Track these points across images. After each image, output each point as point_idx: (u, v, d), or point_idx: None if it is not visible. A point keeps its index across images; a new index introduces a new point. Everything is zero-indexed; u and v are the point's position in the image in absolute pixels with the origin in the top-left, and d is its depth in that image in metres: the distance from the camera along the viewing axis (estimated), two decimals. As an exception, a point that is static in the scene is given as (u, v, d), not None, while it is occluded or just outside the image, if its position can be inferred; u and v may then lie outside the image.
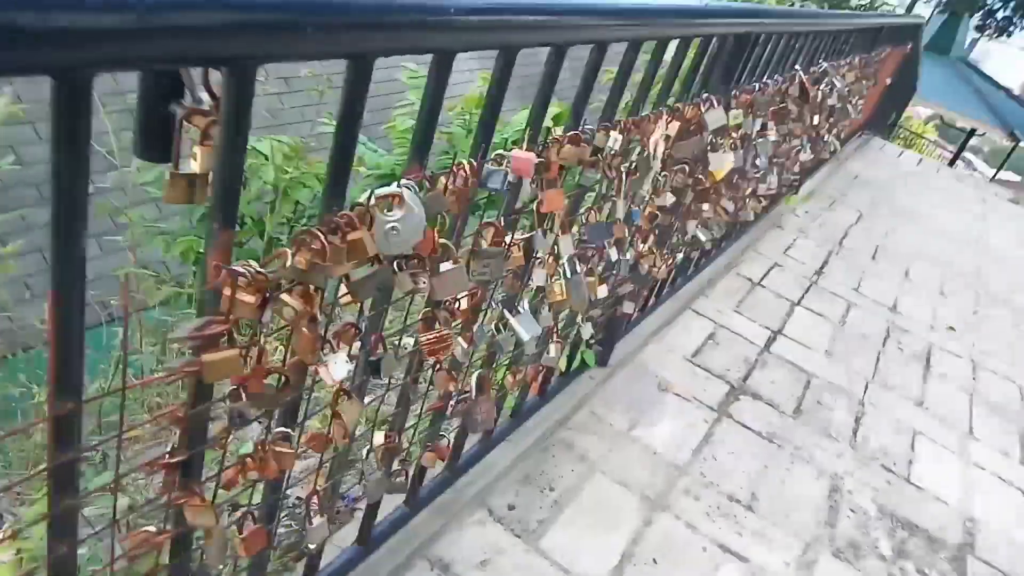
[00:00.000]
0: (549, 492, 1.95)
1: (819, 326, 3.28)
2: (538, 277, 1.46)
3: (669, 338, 2.81)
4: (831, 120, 4.04)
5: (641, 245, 2.07)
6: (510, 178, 1.13)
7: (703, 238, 2.54)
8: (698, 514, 2.03)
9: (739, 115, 2.09)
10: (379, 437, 1.29)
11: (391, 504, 1.59)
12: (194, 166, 0.70)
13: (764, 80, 2.36)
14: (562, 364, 2.13)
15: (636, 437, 2.25)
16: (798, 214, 4.50)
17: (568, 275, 1.59)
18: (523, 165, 1.10)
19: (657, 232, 2.13)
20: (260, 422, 0.93)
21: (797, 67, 2.73)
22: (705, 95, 1.86)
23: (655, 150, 1.64)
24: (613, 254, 1.77)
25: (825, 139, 4.16)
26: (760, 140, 2.64)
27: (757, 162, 2.75)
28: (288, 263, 0.73)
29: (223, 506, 0.93)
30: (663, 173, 1.90)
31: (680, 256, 2.68)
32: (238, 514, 0.98)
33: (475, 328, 1.30)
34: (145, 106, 0.70)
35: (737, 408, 2.53)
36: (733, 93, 2.05)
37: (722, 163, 2.10)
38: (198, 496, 0.85)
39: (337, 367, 0.92)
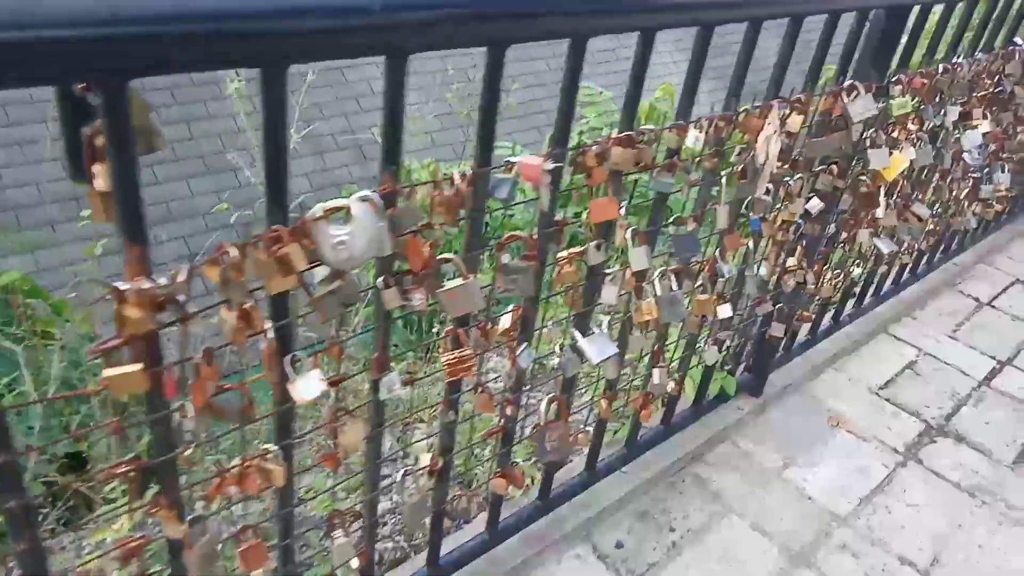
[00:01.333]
0: (669, 532, 1.77)
1: (1070, 356, 2.64)
2: (608, 295, 1.33)
3: (852, 366, 2.43)
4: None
5: (782, 258, 1.81)
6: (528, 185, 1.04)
7: (886, 250, 2.17)
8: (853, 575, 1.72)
9: (906, 103, 1.75)
10: (424, 459, 1.25)
11: (471, 531, 1.54)
12: (100, 184, 0.72)
13: (955, 59, 1.97)
14: (689, 392, 1.93)
15: (789, 478, 1.96)
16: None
17: (659, 292, 1.43)
18: (532, 172, 1.01)
19: (805, 243, 1.86)
20: (246, 436, 0.94)
21: (1019, 40, 2.25)
22: (848, 82, 1.59)
23: (767, 149, 1.43)
24: (725, 269, 1.57)
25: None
26: (964, 132, 2.21)
27: (966, 158, 2.31)
28: (181, 278, 0.73)
29: (206, 519, 0.95)
30: (797, 176, 1.65)
31: (860, 271, 2.32)
32: (237, 528, 1.00)
33: (522, 349, 1.22)
34: (64, 129, 0.74)
35: (931, 452, 2.11)
36: (897, 77, 1.73)
37: (887, 161, 1.78)
38: (165, 507, 0.88)
39: (307, 386, 0.90)
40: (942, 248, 2.89)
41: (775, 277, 1.83)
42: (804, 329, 2.32)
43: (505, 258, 1.09)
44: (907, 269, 2.70)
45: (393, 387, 1.03)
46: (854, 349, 2.50)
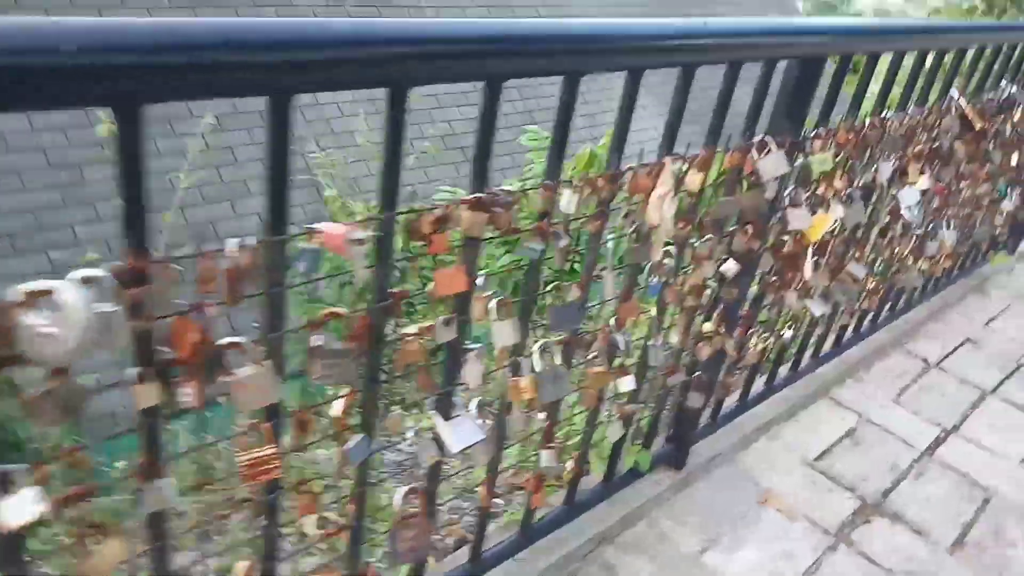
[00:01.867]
0: (566, 629, 1.59)
1: (1019, 423, 2.50)
2: (470, 374, 1.16)
3: (788, 434, 2.28)
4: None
5: (695, 325, 1.66)
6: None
7: (819, 312, 2.03)
8: None
9: (827, 159, 1.63)
10: (239, 570, 1.06)
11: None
12: None
13: (884, 114, 1.85)
14: (599, 467, 1.76)
15: (706, 564, 1.79)
16: (1017, 274, 3.61)
17: (537, 368, 1.27)
18: (334, 240, 0.85)
19: (723, 308, 1.71)
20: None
21: (954, 93, 2.15)
22: (758, 137, 1.46)
23: (660, 210, 1.28)
24: (620, 339, 1.41)
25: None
26: (900, 189, 2.10)
27: (906, 215, 2.19)
28: None
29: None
30: (706, 237, 1.51)
31: (792, 333, 2.17)
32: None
33: (352, 441, 1.04)
34: None
35: (865, 533, 1.95)
36: (816, 132, 1.61)
37: (808, 221, 1.65)
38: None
39: (17, 508, 0.72)
40: (888, 306, 2.77)
41: (688, 345, 1.68)
42: (737, 393, 2.17)
43: (318, 340, 0.92)
44: (850, 328, 2.57)
45: (165, 499, 0.85)
46: (791, 415, 2.35)
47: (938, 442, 2.35)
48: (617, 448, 1.75)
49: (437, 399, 1.18)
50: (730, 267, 1.63)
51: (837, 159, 1.74)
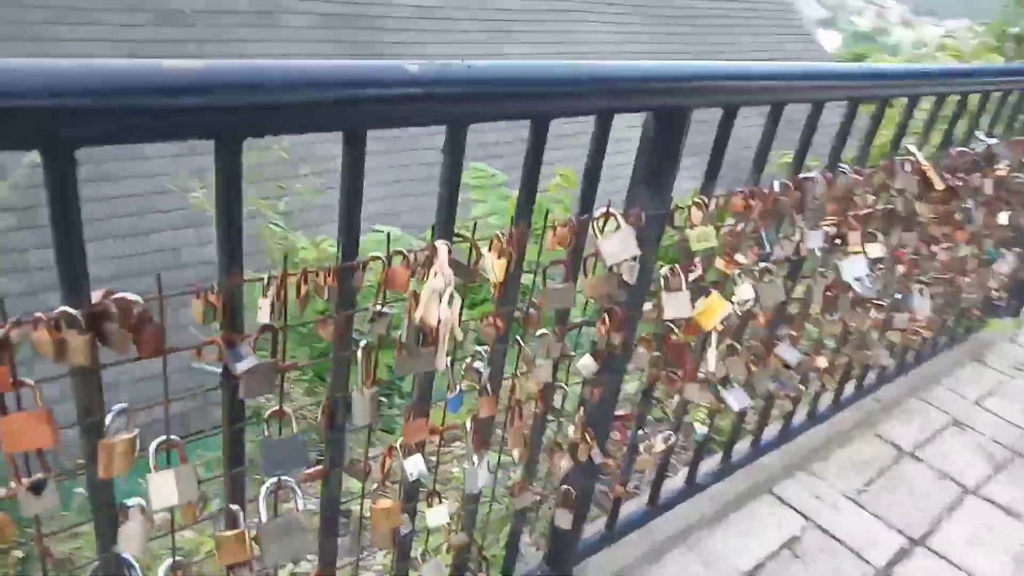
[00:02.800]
0: None
1: (1004, 532, 2.11)
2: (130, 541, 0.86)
3: (714, 543, 1.92)
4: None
5: (549, 433, 1.34)
6: None
7: (737, 407, 1.69)
8: None
9: (709, 234, 1.30)
10: None
11: None
12: None
13: (807, 173, 1.52)
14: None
15: None
16: (1020, 343, 3.19)
17: (264, 518, 0.97)
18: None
19: (585, 412, 1.39)
20: None
21: (911, 147, 1.81)
22: (601, 209, 1.15)
23: (435, 307, 0.97)
24: (410, 469, 1.09)
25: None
26: (843, 260, 1.77)
27: (857, 287, 1.84)
28: None
29: None
30: (540, 332, 1.19)
31: (705, 429, 1.82)
32: None
33: None
34: None
35: None
36: (695, 200, 1.29)
37: (686, 307, 1.33)
38: None
39: None
40: (854, 383, 2.40)
41: (529, 461, 1.35)
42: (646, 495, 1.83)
43: None
44: (800, 412, 2.21)
45: None
46: (720, 517, 1.99)
47: (901, 555, 1.97)
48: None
49: None
50: (587, 364, 1.31)
51: (740, 229, 1.42)
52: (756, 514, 2.03)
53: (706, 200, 1.29)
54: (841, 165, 1.60)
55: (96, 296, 0.72)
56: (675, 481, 1.93)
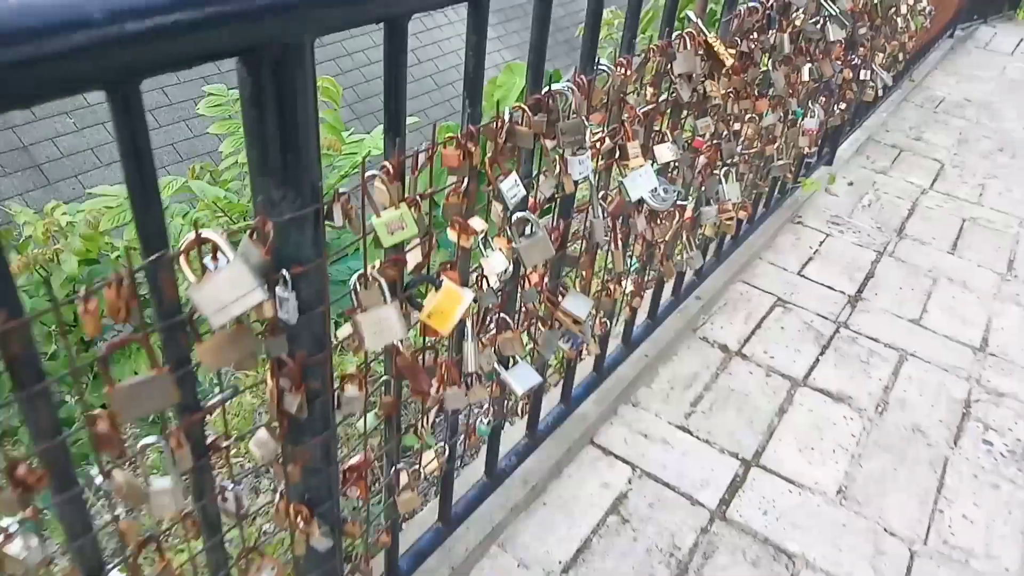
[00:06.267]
0: None
1: (834, 424, 1.95)
2: None
3: (526, 539, 1.61)
4: (855, 56, 2.58)
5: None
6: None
7: (521, 390, 1.32)
8: None
9: (401, 216, 0.85)
10: None
11: None
12: None
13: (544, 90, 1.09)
14: None
15: None
16: (834, 193, 3.06)
17: None
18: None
19: (291, 493, 0.96)
20: None
21: (691, 14, 1.41)
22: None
23: None
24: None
25: (860, 80, 2.70)
26: (625, 178, 1.39)
27: (650, 202, 1.48)
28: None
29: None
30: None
31: (484, 428, 1.46)
32: None
33: None
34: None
35: None
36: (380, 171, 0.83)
37: (391, 328, 0.90)
38: None
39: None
40: (671, 289, 2.12)
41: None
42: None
43: None
44: (612, 344, 1.90)
45: None
46: (536, 495, 1.68)
47: (734, 488, 1.76)
48: None
49: None
50: (261, 439, 0.87)
51: (459, 188, 0.98)
52: (577, 479, 1.74)
53: (391, 167, 0.84)
54: (601, 64, 1.17)
55: None
56: (471, 474, 1.59)
